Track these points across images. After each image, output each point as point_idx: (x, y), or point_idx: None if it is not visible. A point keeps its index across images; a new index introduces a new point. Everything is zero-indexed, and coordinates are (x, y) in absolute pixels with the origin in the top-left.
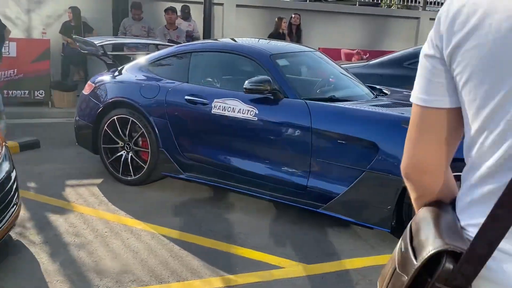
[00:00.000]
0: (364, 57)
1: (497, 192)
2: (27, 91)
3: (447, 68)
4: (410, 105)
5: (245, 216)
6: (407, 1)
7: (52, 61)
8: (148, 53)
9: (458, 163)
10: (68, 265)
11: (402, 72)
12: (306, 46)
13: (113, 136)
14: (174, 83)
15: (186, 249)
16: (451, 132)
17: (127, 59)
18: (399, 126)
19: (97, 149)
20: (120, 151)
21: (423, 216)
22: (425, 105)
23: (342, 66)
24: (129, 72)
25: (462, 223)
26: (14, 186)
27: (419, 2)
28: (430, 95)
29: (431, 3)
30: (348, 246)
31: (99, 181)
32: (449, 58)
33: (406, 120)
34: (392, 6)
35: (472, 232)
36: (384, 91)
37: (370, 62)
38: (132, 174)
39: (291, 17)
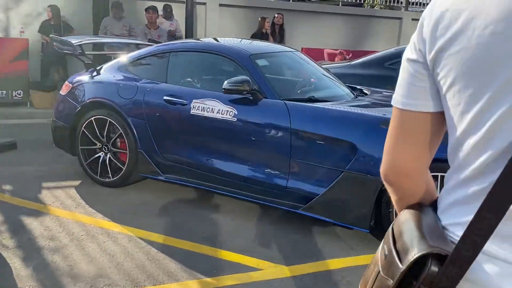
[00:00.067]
0: (347, 57)
1: (481, 194)
2: (5, 91)
3: (430, 72)
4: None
5: (225, 218)
6: (390, 2)
7: (31, 61)
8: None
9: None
10: (42, 270)
11: (384, 72)
12: (287, 46)
13: (90, 137)
14: (152, 83)
15: (163, 252)
16: (431, 136)
17: (108, 59)
18: (377, 126)
19: (74, 150)
20: (98, 153)
21: (405, 219)
22: (406, 108)
23: (323, 66)
24: (108, 72)
25: (443, 223)
26: None
27: (401, 3)
28: (412, 99)
29: (413, 3)
30: (327, 246)
31: (76, 183)
32: (433, 62)
33: (384, 121)
34: (375, 6)
35: (453, 232)
36: (365, 91)
37: (352, 62)
38: (110, 175)
39: (274, 17)
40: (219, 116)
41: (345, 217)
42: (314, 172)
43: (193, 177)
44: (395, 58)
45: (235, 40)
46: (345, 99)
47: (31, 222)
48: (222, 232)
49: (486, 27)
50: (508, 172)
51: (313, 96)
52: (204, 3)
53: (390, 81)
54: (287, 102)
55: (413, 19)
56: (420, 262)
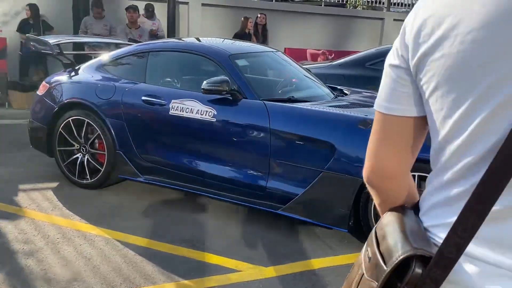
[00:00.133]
0: (330, 57)
1: (463, 196)
2: None
3: (413, 78)
4: (367, 105)
5: (204, 219)
6: (372, 2)
7: (10, 61)
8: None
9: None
10: (15, 275)
11: (364, 72)
12: (268, 47)
13: (68, 138)
14: (131, 83)
15: (141, 255)
16: (414, 140)
17: (89, 59)
18: (355, 126)
19: (52, 152)
20: (76, 154)
21: (388, 221)
22: (389, 113)
23: (305, 66)
24: (86, 72)
25: (426, 224)
26: None
27: (383, 3)
28: (394, 103)
29: (395, 4)
30: (307, 247)
31: (54, 185)
32: (415, 68)
33: (362, 121)
34: (357, 7)
35: (435, 233)
36: (345, 91)
37: (333, 63)
38: (88, 177)
39: (257, 17)
40: (198, 116)
41: (324, 217)
42: (293, 172)
43: (172, 178)
44: (375, 59)
45: (217, 40)
46: (325, 99)
47: (5, 226)
48: (201, 233)
49: (468, 34)
50: (491, 174)
51: (292, 96)
52: (187, 3)
53: (371, 82)
54: (266, 102)
55: (395, 20)
56: (404, 264)
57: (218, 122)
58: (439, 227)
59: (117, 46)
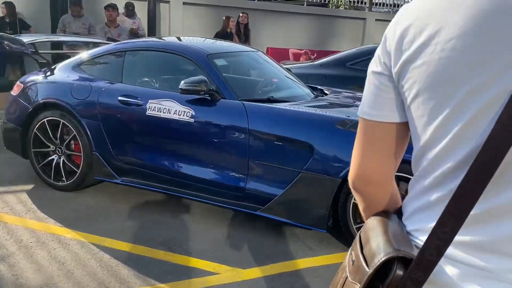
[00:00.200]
0: (312, 57)
1: (443, 200)
2: None
3: (395, 85)
4: (347, 105)
5: (182, 221)
6: (354, 2)
7: None
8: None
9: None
10: None
11: (345, 72)
12: (249, 46)
13: (43, 139)
14: (107, 83)
15: (117, 258)
16: (397, 145)
17: (67, 58)
18: (333, 127)
19: (26, 153)
20: (51, 155)
21: (371, 226)
22: (372, 119)
23: (286, 66)
24: (61, 71)
25: (408, 229)
26: None
27: (365, 3)
28: (377, 110)
29: (377, 4)
30: (286, 248)
31: (28, 187)
32: (397, 75)
33: (340, 121)
34: (339, 6)
35: (417, 237)
36: (325, 91)
37: (315, 63)
38: (64, 179)
39: (239, 16)
40: (176, 117)
41: (304, 218)
42: (272, 173)
43: (150, 180)
44: (356, 59)
45: (197, 39)
46: (305, 100)
47: None
48: (179, 236)
49: (448, 42)
50: (468, 180)
51: (272, 97)
52: (168, 1)
53: (352, 81)
54: (245, 102)
55: (377, 20)
56: (386, 267)
57: (196, 123)
58: (421, 231)
59: (95, 45)
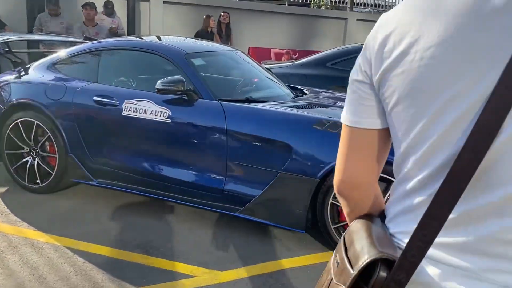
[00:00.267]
0: (294, 56)
1: (424, 203)
2: None
3: (376, 92)
4: (325, 106)
5: (159, 224)
6: (336, 2)
7: None
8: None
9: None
10: None
11: (325, 72)
12: (229, 46)
13: (17, 140)
14: (82, 83)
15: (91, 262)
16: (379, 151)
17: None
18: (310, 127)
19: (0, 155)
20: (25, 157)
21: (355, 228)
22: (355, 126)
23: (267, 66)
24: (36, 71)
25: (391, 231)
26: None
27: (346, 3)
28: (359, 117)
29: (358, 4)
30: (265, 249)
31: (1, 190)
32: (378, 83)
33: (317, 121)
34: (321, 6)
35: (400, 239)
36: (305, 91)
37: (295, 63)
38: (39, 181)
39: (220, 15)
40: (152, 117)
41: (282, 218)
42: (251, 174)
43: (126, 181)
44: (336, 58)
45: (177, 38)
46: (284, 100)
47: None
48: (155, 238)
49: (427, 50)
50: (447, 184)
51: (250, 97)
52: (148, 0)
53: (332, 81)
54: (223, 102)
55: (358, 20)
56: (370, 268)
57: (173, 123)
58: (403, 233)
59: (72, 44)
